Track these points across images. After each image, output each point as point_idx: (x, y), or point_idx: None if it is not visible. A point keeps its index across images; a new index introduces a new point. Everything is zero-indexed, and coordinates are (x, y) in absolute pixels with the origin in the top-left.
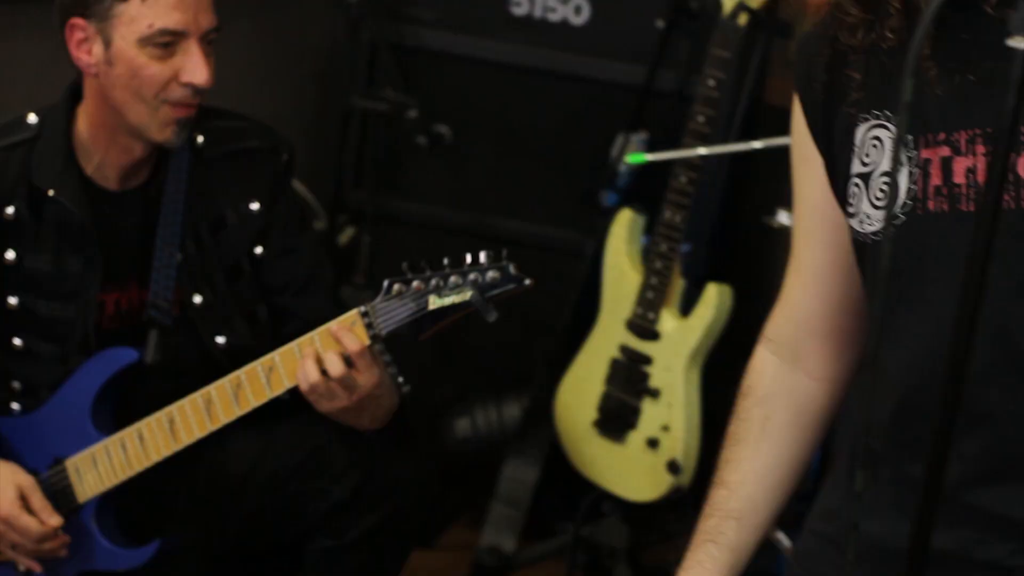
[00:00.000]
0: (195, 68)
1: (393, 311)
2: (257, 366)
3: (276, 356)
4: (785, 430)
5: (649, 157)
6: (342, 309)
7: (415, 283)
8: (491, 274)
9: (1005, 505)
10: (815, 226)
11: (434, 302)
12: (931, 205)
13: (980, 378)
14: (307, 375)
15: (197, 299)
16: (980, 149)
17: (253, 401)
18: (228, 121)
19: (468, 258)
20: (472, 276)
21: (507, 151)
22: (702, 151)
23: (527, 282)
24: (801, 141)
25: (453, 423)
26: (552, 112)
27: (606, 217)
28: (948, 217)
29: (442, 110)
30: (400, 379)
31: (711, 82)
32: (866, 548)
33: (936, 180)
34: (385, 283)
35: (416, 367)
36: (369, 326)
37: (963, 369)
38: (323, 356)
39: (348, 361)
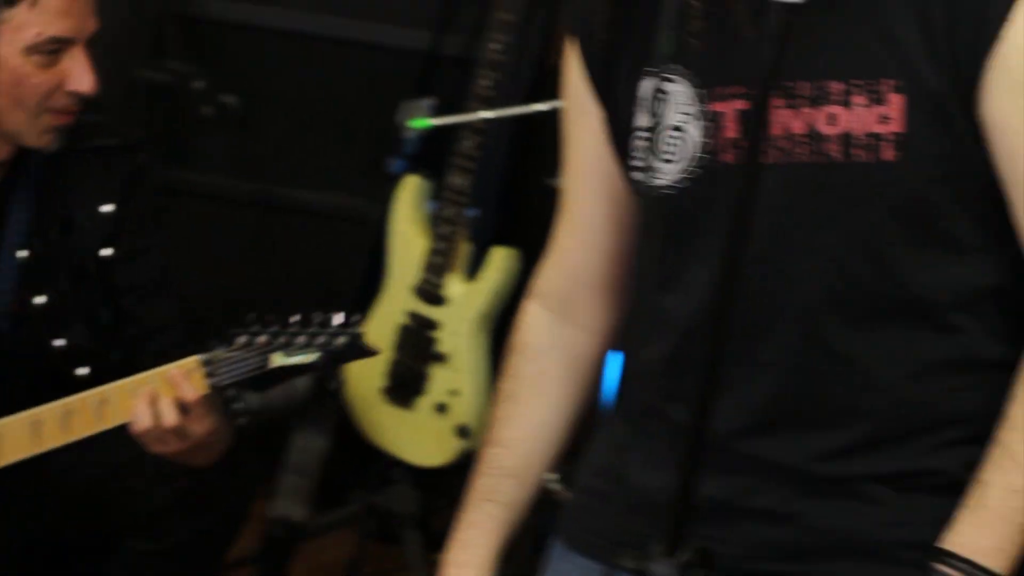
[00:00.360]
0: (82, 76)
1: (235, 364)
2: (91, 396)
3: (111, 390)
4: (559, 385)
5: (432, 122)
6: (184, 316)
7: (261, 338)
8: (341, 340)
9: (783, 453)
10: (590, 179)
11: (277, 360)
12: (726, 157)
13: (764, 329)
14: (140, 419)
15: (39, 300)
16: (780, 102)
17: (82, 431)
18: (84, 116)
19: (318, 317)
20: (321, 339)
21: (295, 120)
22: (486, 114)
23: (375, 351)
24: (577, 93)
25: (243, 395)
26: (340, 79)
27: (393, 183)
28: (740, 169)
29: (229, 80)
30: (240, 405)
31: (496, 46)
32: (639, 502)
33: (730, 133)
34: (230, 333)
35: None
36: (209, 375)
37: (727, 318)
38: (158, 401)
39: (183, 407)
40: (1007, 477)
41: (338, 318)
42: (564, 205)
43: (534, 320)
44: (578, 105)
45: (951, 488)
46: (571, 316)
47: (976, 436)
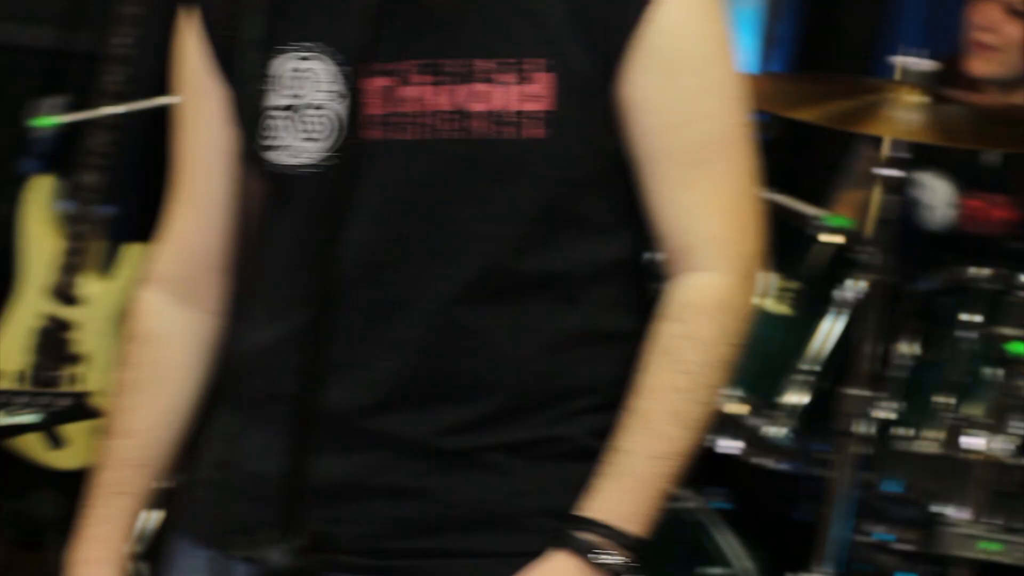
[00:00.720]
0: None
1: None
2: None
3: None
4: (184, 369)
5: (58, 120)
6: None
7: None
8: (64, 401)
9: (411, 429)
10: (210, 159)
11: None
12: (373, 133)
13: (397, 307)
14: None
15: None
16: (427, 79)
17: None
18: None
19: (43, 379)
20: (44, 400)
21: None
22: (115, 110)
23: (100, 412)
24: (196, 72)
25: None
26: None
27: (25, 184)
28: (385, 145)
29: None
30: None
31: (121, 40)
32: (255, 489)
33: (376, 109)
34: None
35: None
36: None
37: (324, 296)
38: None
39: None
40: (644, 444)
41: (63, 379)
42: (178, 186)
43: (153, 306)
44: (196, 85)
45: (578, 455)
46: (192, 299)
47: (604, 404)
